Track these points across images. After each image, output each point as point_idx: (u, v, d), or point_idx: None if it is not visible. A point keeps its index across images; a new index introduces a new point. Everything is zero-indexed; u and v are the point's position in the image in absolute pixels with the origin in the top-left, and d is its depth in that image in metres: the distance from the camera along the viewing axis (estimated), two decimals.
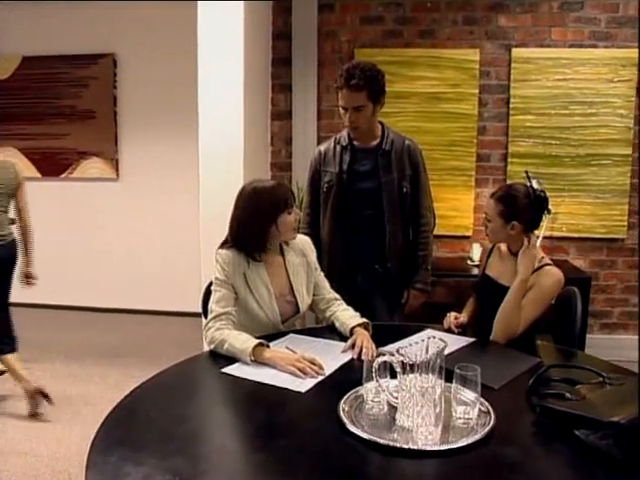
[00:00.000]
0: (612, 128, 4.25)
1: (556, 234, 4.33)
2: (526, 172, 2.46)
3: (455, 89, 4.31)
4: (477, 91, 4.31)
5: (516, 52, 4.24)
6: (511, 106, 4.30)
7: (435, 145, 4.35)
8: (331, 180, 2.83)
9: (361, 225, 2.84)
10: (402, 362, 1.59)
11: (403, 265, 2.89)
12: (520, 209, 2.35)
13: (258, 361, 1.98)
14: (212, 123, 3.65)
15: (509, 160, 4.36)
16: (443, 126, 4.36)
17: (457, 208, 4.44)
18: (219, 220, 3.58)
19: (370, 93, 2.66)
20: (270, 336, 2.23)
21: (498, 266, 2.52)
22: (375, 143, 2.83)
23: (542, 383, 1.86)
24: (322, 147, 2.93)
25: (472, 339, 2.28)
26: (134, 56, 5.15)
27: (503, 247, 2.54)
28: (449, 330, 2.42)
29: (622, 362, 2.10)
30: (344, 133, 2.87)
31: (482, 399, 1.63)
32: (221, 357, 2.06)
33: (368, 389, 1.71)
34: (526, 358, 2.12)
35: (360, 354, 2.07)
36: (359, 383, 1.73)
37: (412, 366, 1.57)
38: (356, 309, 2.75)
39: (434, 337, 1.66)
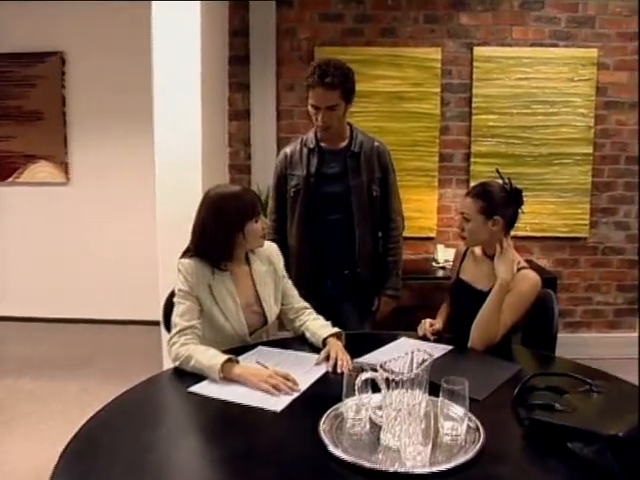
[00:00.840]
0: (573, 127, 4.25)
1: (520, 234, 4.28)
2: (497, 170, 2.40)
3: (417, 88, 4.25)
4: (439, 90, 4.26)
5: (478, 51, 4.20)
6: (473, 105, 4.27)
7: (398, 145, 4.26)
8: (298, 184, 2.71)
9: (330, 230, 2.73)
10: (387, 378, 1.50)
11: (373, 270, 2.80)
12: (499, 204, 2.30)
13: (227, 378, 1.84)
14: (168, 124, 3.50)
15: (472, 160, 4.32)
16: (405, 126, 4.29)
17: (421, 209, 4.38)
18: (177, 225, 3.43)
19: (344, 92, 2.56)
20: (237, 349, 2.10)
21: (473, 270, 2.45)
22: (344, 145, 2.72)
23: (527, 392, 1.79)
24: (288, 149, 2.80)
25: (449, 347, 2.19)
26: (84, 54, 4.89)
27: (477, 250, 2.46)
28: (424, 337, 2.33)
29: (586, 360, 2.09)
30: (310, 134, 2.76)
31: (470, 414, 1.54)
32: (187, 374, 1.91)
33: (348, 406, 1.60)
34: (506, 366, 2.05)
35: (335, 366, 1.95)
36: (337, 399, 1.62)
37: (397, 382, 1.47)
38: (326, 316, 2.63)
39: (418, 350, 1.56)
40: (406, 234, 4.08)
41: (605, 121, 4.29)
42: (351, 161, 2.70)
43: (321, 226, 2.72)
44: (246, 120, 4.40)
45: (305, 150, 2.72)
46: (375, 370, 1.51)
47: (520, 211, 2.34)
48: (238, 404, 1.70)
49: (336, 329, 2.19)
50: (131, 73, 4.67)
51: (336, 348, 2.04)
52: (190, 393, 1.78)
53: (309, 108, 2.63)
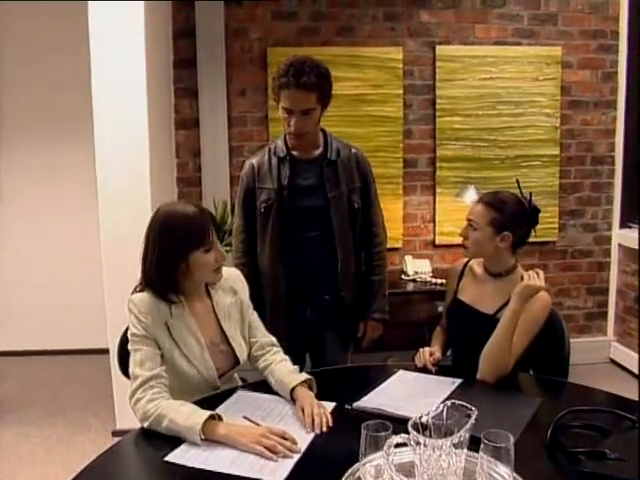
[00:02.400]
0: (539, 128, 4.11)
1: None
2: (517, 180, 2.17)
3: (378, 90, 4.01)
4: (401, 92, 4.03)
5: (440, 50, 4.00)
6: (437, 107, 4.06)
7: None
8: (269, 198, 2.39)
9: (307, 249, 2.41)
10: (416, 441, 1.22)
11: (357, 293, 2.51)
12: (513, 219, 2.07)
13: (211, 440, 1.53)
14: (111, 134, 3.15)
15: (437, 165, 4.11)
16: (367, 130, 4.04)
17: (386, 219, 4.08)
18: (123, 245, 3.13)
19: (320, 95, 2.27)
20: (213, 398, 1.78)
21: (473, 290, 2.20)
22: (318, 153, 2.43)
23: (561, 433, 1.55)
24: (254, 160, 2.48)
25: (457, 380, 1.93)
26: (13, 55, 4.42)
27: (478, 268, 2.22)
28: (424, 368, 2.07)
29: None
30: (279, 142, 2.46)
31: (516, 475, 1.28)
32: (158, 436, 1.58)
33: (367, 470, 1.32)
34: (525, 400, 1.82)
35: (313, 425, 1.63)
36: (348, 457, 1.35)
37: (435, 447, 1.20)
38: (306, 347, 2.35)
39: (454, 402, 1.29)
40: None
41: (570, 121, 4.17)
42: (328, 171, 2.41)
43: (297, 245, 2.40)
44: (195, 128, 4.05)
45: (275, 160, 2.41)
46: (383, 417, 1.25)
47: (533, 232, 2.11)
48: (229, 475, 1.39)
49: (305, 375, 1.85)
50: (69, 76, 4.23)
51: (309, 401, 1.72)
52: (168, 463, 1.45)
53: (280, 112, 2.32)
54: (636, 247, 4.07)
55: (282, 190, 2.37)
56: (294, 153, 2.41)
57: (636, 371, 4.06)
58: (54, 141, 4.49)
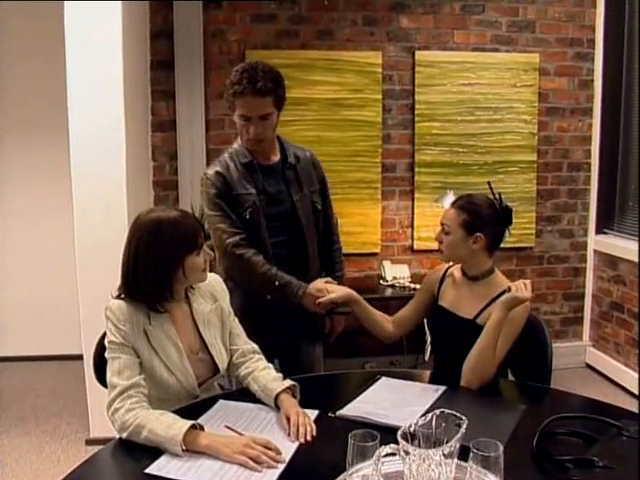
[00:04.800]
0: (517, 134, 4.13)
1: None
2: (489, 182, 2.17)
3: (357, 95, 3.99)
4: (380, 97, 4.02)
5: (419, 55, 4.00)
6: (416, 112, 4.05)
7: (338, 156, 4.00)
8: (254, 203, 2.31)
9: (284, 255, 2.38)
10: (405, 451, 1.19)
11: None
12: (485, 220, 2.08)
13: (193, 451, 1.48)
14: (86, 136, 3.09)
15: (416, 170, 4.11)
16: (345, 135, 4.02)
17: (363, 224, 4.12)
18: (98, 249, 3.07)
19: (276, 98, 2.23)
20: (193, 408, 1.74)
21: (453, 296, 2.19)
22: (277, 159, 2.40)
23: (547, 440, 1.54)
24: (217, 168, 2.33)
25: (441, 387, 1.91)
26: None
27: (457, 273, 2.21)
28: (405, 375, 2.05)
29: None
30: (237, 147, 2.38)
31: None
32: (136, 447, 1.53)
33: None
34: (510, 407, 1.81)
35: (298, 435, 1.59)
36: (334, 466, 1.33)
37: (424, 458, 1.17)
38: (275, 352, 2.32)
39: (443, 411, 1.27)
40: (349, 250, 3.85)
41: (547, 128, 4.20)
42: (290, 174, 2.40)
43: (271, 251, 2.36)
44: (172, 131, 3.98)
45: (241, 167, 2.33)
46: (367, 425, 1.24)
47: (507, 232, 2.12)
48: None
49: (289, 382, 1.82)
50: (43, 77, 4.17)
51: (295, 410, 1.68)
52: (147, 476, 1.41)
53: (236, 119, 2.28)
54: (611, 253, 4.12)
55: (260, 195, 2.33)
56: (255, 160, 2.37)
57: (611, 376, 4.10)
58: (28, 144, 4.40)
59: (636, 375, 3.74)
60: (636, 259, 3.65)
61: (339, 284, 2.51)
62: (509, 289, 1.94)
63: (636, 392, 3.69)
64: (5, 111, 4.37)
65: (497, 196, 2.11)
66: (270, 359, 2.05)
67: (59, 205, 4.09)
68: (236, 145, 2.39)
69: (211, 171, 2.35)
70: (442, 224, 2.14)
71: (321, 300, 2.22)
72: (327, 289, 2.25)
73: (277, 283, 2.28)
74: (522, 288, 1.92)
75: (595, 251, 4.32)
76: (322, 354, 2.62)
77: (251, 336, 2.07)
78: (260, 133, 2.26)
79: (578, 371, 4.37)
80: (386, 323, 2.31)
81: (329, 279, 2.36)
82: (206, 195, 2.34)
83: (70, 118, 3.08)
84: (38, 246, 4.47)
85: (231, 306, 2.04)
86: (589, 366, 4.38)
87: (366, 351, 4.02)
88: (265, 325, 2.32)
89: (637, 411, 1.72)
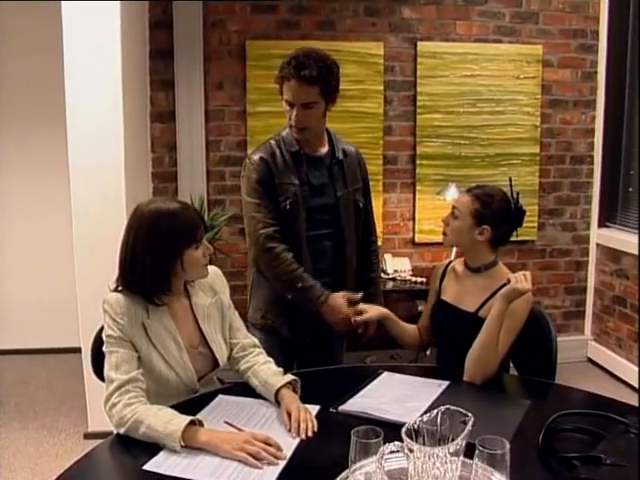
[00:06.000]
0: (520, 127, 4.10)
1: None
2: (509, 178, 2.13)
3: (359, 86, 3.95)
4: (382, 88, 3.98)
5: (422, 46, 3.95)
6: (418, 104, 4.01)
7: None
8: (295, 194, 2.25)
9: (322, 250, 2.35)
10: (410, 448, 1.17)
11: (357, 290, 2.42)
12: (496, 215, 2.05)
13: (191, 447, 1.45)
14: (84, 127, 3.04)
15: (417, 162, 4.08)
16: (347, 126, 3.96)
17: None
18: (96, 242, 3.04)
19: (324, 88, 2.17)
20: (191, 402, 1.71)
21: (455, 289, 2.17)
22: (325, 151, 2.35)
23: (553, 437, 1.51)
24: (262, 154, 2.29)
25: (444, 382, 1.88)
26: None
27: (458, 266, 2.19)
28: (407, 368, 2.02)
29: None
30: (284, 134, 2.32)
31: None
32: (134, 442, 1.50)
33: (357, 478, 1.27)
34: (514, 402, 1.78)
35: (299, 430, 1.57)
36: (335, 463, 1.30)
37: (430, 455, 1.14)
38: (312, 349, 2.35)
39: (448, 408, 1.24)
40: None
41: (550, 120, 4.17)
42: (336, 169, 2.35)
43: (315, 246, 2.33)
44: (171, 122, 3.94)
45: (287, 155, 2.29)
46: (369, 421, 1.25)
47: (515, 233, 2.09)
48: None
49: (290, 376, 1.79)
50: (40, 69, 4.13)
51: (296, 405, 1.65)
52: (145, 472, 1.38)
53: (283, 104, 2.24)
54: (614, 246, 4.09)
55: (303, 186, 2.29)
56: (302, 150, 2.32)
57: (613, 370, 4.08)
58: (26, 137, 4.36)
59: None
60: None
61: (373, 285, 2.53)
62: (508, 281, 1.91)
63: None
64: (2, 104, 4.33)
65: (515, 195, 2.07)
66: (296, 352, 2.03)
67: (57, 198, 4.06)
68: (284, 132, 2.34)
69: (256, 156, 2.30)
70: (453, 208, 2.12)
71: (357, 319, 2.19)
72: (362, 309, 2.21)
73: (300, 285, 2.22)
74: (522, 280, 1.89)
75: (597, 244, 4.29)
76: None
77: (283, 326, 2.14)
78: (302, 121, 2.21)
79: (579, 365, 4.35)
80: (416, 333, 2.29)
81: (349, 294, 2.27)
82: (247, 180, 2.31)
83: (68, 110, 3.04)
84: (36, 239, 4.44)
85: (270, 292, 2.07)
86: (591, 360, 4.35)
87: (369, 345, 3.98)
88: (297, 317, 2.31)
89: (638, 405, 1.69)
